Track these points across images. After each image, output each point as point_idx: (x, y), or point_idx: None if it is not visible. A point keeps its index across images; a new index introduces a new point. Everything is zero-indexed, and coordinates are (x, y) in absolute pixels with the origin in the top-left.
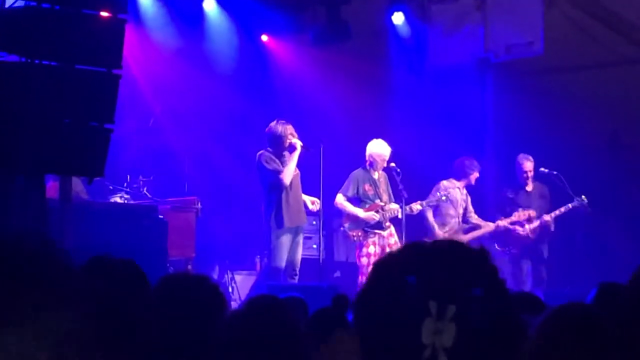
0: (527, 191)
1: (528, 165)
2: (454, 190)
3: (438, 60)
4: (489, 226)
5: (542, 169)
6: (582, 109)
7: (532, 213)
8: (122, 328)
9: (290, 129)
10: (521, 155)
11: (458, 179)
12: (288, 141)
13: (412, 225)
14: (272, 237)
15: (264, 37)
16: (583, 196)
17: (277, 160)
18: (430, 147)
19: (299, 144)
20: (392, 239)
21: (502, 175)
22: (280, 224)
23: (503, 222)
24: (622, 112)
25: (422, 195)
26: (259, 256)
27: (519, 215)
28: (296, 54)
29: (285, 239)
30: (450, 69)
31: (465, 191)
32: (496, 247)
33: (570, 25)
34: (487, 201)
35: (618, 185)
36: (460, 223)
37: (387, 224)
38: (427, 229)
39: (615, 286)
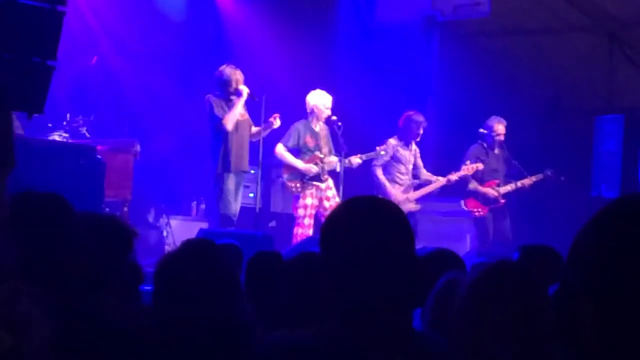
0: (495, 154)
1: (500, 128)
2: (402, 148)
3: (385, 16)
4: (439, 181)
5: (481, 130)
6: (525, 72)
7: (480, 166)
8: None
9: (238, 74)
10: (493, 117)
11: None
12: (235, 86)
13: (350, 179)
14: (219, 182)
15: None
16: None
17: (222, 105)
18: (373, 101)
19: (245, 90)
20: (330, 192)
21: (443, 133)
22: (227, 167)
23: (454, 176)
24: (565, 77)
25: (362, 149)
26: (195, 201)
27: (467, 168)
28: (242, 3)
29: (231, 184)
30: (396, 25)
31: (414, 147)
32: (463, 206)
33: None
34: (427, 158)
35: (558, 148)
36: (411, 180)
37: (326, 176)
38: (379, 187)
39: (535, 248)
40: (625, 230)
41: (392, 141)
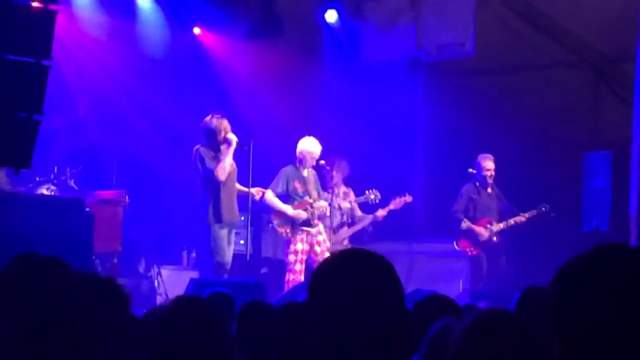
0: (488, 193)
1: (489, 164)
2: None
3: (370, 58)
4: (367, 218)
5: (470, 169)
6: (512, 109)
7: (409, 199)
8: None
9: (225, 123)
10: (481, 156)
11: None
12: (223, 135)
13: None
14: (212, 232)
15: (197, 30)
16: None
17: (212, 156)
18: (361, 144)
19: (234, 139)
20: (320, 237)
21: (431, 174)
22: (219, 218)
23: (381, 212)
24: (552, 113)
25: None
26: (185, 250)
27: (396, 202)
28: (229, 47)
29: (224, 233)
30: (382, 67)
31: (342, 189)
32: (455, 246)
33: (501, 26)
34: (415, 199)
35: (546, 185)
36: (340, 220)
37: (316, 221)
38: None
39: (538, 290)
40: (576, 286)
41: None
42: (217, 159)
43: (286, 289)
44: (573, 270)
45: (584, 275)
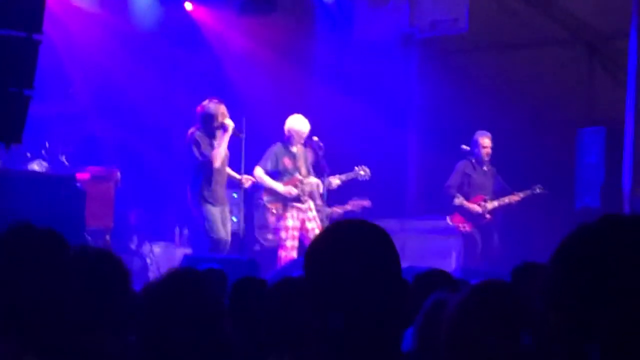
0: (484, 170)
1: (486, 141)
2: None
3: (363, 34)
4: (325, 209)
5: (463, 146)
6: (505, 86)
7: (367, 203)
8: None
9: (222, 108)
10: (478, 132)
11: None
12: (220, 121)
13: (331, 199)
14: (205, 213)
15: (188, 5)
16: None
17: (208, 141)
18: (354, 121)
19: (231, 125)
20: (310, 213)
21: (423, 151)
22: (210, 202)
23: (337, 210)
24: (546, 90)
25: (342, 170)
26: (178, 227)
27: (353, 204)
28: (221, 23)
29: (216, 211)
30: (375, 44)
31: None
32: (448, 221)
33: (495, 3)
34: (409, 179)
35: (540, 162)
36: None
37: (306, 197)
38: None
39: (531, 265)
40: (572, 260)
41: None
42: (212, 145)
43: (279, 265)
44: (576, 245)
45: (589, 250)
